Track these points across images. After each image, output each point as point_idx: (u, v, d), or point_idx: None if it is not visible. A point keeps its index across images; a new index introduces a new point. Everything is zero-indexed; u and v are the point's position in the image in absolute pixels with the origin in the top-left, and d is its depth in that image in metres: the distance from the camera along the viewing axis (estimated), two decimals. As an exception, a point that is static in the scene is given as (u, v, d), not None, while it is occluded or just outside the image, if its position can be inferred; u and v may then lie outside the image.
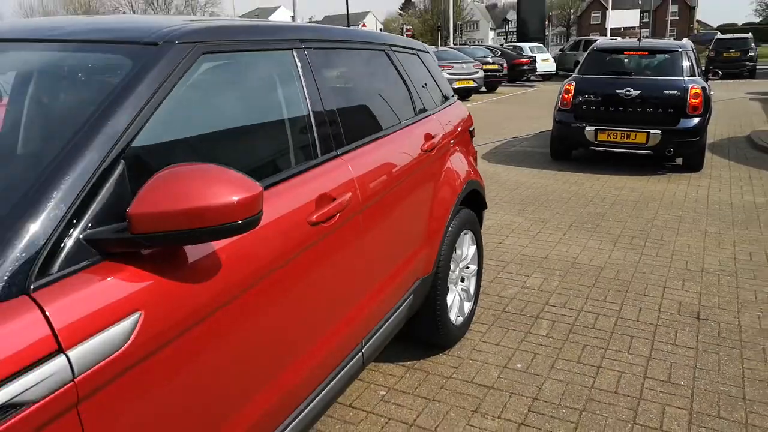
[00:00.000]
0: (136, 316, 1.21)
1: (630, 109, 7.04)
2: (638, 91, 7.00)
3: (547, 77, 25.34)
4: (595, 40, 25.00)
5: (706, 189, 6.38)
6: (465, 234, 3.09)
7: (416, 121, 2.69)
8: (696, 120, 6.87)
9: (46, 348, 1.05)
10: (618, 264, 4.24)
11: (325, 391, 1.90)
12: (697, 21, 76.84)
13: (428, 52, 3.19)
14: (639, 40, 8.34)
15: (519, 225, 5.19)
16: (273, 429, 1.65)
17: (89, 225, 1.21)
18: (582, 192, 6.34)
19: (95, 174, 1.24)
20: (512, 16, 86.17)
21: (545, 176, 7.13)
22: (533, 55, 24.36)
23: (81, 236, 1.19)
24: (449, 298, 2.96)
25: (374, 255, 2.17)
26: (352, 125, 2.15)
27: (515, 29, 72.22)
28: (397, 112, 2.58)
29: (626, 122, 7.07)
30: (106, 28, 1.68)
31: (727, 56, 23.13)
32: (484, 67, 17.88)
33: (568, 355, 3.02)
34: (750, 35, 24.02)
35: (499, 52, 22.43)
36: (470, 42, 61.28)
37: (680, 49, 7.46)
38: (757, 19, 60.36)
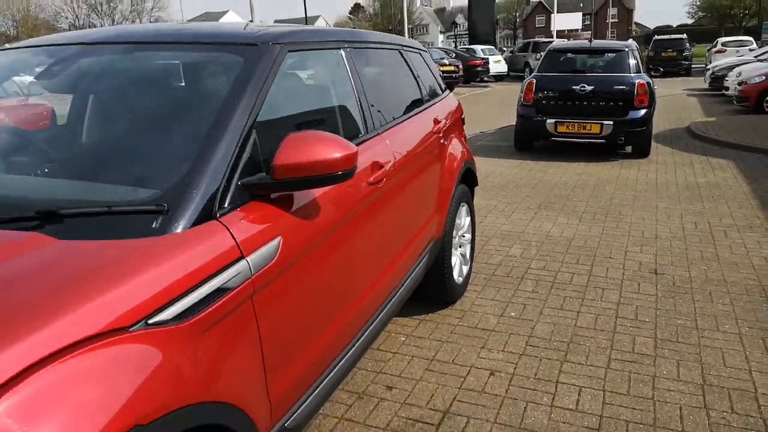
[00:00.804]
0: (278, 239, 1.67)
1: (585, 103, 7.85)
2: (592, 87, 7.81)
3: (499, 78, 26.35)
4: (543, 42, 26.18)
5: (654, 173, 7.14)
6: (462, 206, 3.62)
7: (425, 109, 3.20)
8: (643, 111, 7.72)
9: (235, 254, 1.51)
10: (585, 235, 4.86)
11: (381, 315, 2.40)
12: (635, 23, 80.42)
13: (427, 52, 3.71)
14: (590, 41, 9.23)
15: (495, 207, 5.76)
16: (353, 335, 2.15)
17: (241, 175, 1.66)
18: (546, 178, 6.99)
19: (240, 140, 1.68)
20: (461, 19, 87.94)
21: (512, 166, 7.77)
22: (486, 57, 25.30)
23: (239, 183, 1.64)
24: (453, 260, 3.47)
25: (405, 214, 2.66)
26: (383, 109, 2.64)
27: (464, 32, 73.57)
28: (411, 101, 3.09)
29: (582, 115, 7.87)
30: (215, 33, 2.12)
31: (666, 56, 24.64)
32: (441, 68, 18.60)
33: (553, 304, 3.58)
34: (685, 36, 25.62)
35: (454, 54, 23.24)
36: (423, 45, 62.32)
37: (626, 49, 8.37)
38: (689, 21, 63.72)
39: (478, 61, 23.71)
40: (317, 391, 1.93)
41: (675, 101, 15.08)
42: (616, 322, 3.34)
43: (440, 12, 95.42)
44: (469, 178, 3.73)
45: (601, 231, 4.95)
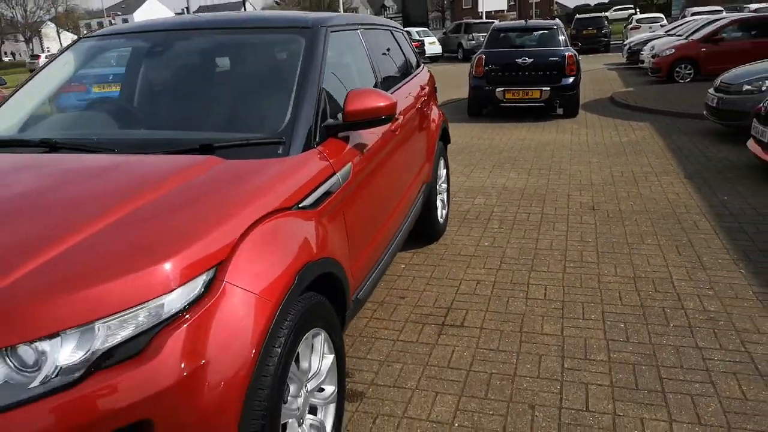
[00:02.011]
0: (349, 165, 2.39)
1: (526, 73, 9.29)
2: (531, 59, 9.27)
3: (434, 59, 27.31)
4: (475, 24, 27.25)
5: (585, 135, 8.19)
6: (441, 159, 4.41)
7: (413, 77, 3.95)
8: (572, 79, 9.29)
9: (330, 170, 2.22)
10: (534, 185, 5.77)
11: (403, 229, 3.18)
12: (556, 2, 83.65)
13: (406, 32, 4.45)
14: (526, 21, 10.44)
15: (455, 168, 6.60)
16: (390, 239, 2.92)
17: (321, 120, 2.35)
18: (494, 144, 7.91)
19: (317, 95, 2.38)
20: (390, 2, 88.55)
21: (463, 135, 8.63)
22: (421, 39, 26.17)
23: (322, 125, 2.34)
24: (437, 203, 4.27)
25: (410, 158, 3.42)
26: (387, 76, 3.38)
27: (394, 14, 73.63)
28: (402, 71, 3.83)
29: (524, 83, 9.31)
30: (276, 19, 2.79)
31: (587, 33, 26.29)
32: (381, 50, 19.26)
33: (516, 235, 4.44)
34: (604, 15, 27.37)
35: (391, 37, 23.93)
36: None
37: (556, 27, 9.92)
38: (605, 0, 66.99)
39: (414, 43, 24.50)
40: (373, 275, 2.68)
41: (598, 75, 16.46)
42: (567, 243, 4.23)
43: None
44: (444, 136, 4.52)
45: (546, 182, 5.88)
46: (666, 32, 18.61)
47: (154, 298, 1.42)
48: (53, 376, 1.31)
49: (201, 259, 1.54)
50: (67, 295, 1.35)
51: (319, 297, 1.97)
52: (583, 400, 2.48)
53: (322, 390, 2.09)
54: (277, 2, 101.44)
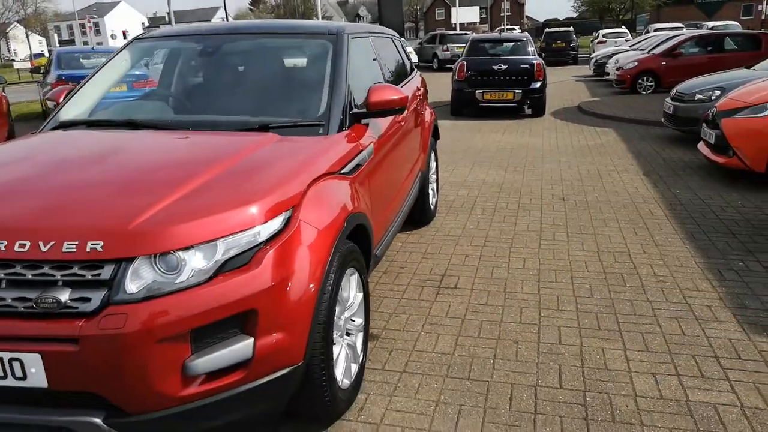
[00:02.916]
0: (371, 145, 2.97)
1: (502, 78, 11.03)
2: (506, 66, 11.06)
3: (410, 68, 28.05)
4: (449, 35, 28.07)
5: (555, 139, 8.91)
6: (432, 152, 5.01)
7: (410, 80, 4.55)
8: (539, 83, 11.07)
9: (360, 147, 2.80)
10: (511, 180, 6.42)
11: (406, 204, 3.76)
12: (527, 16, 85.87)
13: (403, 39, 5.06)
14: (500, 33, 11.68)
15: (438, 166, 7.21)
16: (398, 210, 3.50)
17: (350, 108, 2.92)
18: (473, 146, 8.57)
19: (346, 90, 2.95)
20: (364, 11, 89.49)
21: (445, 137, 9.22)
22: (397, 48, 26.86)
23: (350, 112, 2.91)
24: (428, 190, 4.87)
25: (411, 147, 4.02)
26: (391, 78, 3.97)
27: (368, 24, 73.72)
28: (402, 72, 4.43)
29: (500, 86, 11.05)
30: (306, 26, 3.36)
31: (556, 46, 27.41)
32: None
33: (497, 220, 5.07)
34: (572, 29, 28.56)
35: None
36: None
37: (525, 39, 11.66)
38: (574, 15, 69.09)
39: (390, 52, 25.21)
40: (386, 238, 3.25)
41: (566, 86, 17.37)
42: (541, 226, 4.87)
43: (343, 4, 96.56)
44: (435, 132, 5.13)
45: (522, 177, 6.54)
46: (630, 47, 19.67)
47: (254, 226, 1.97)
48: (190, 276, 1.84)
49: (282, 202, 2.09)
50: (198, 220, 1.89)
51: (354, 244, 2.53)
52: (557, 337, 3.09)
53: (353, 321, 2.65)
54: (250, 9, 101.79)
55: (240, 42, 3.29)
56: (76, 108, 3.11)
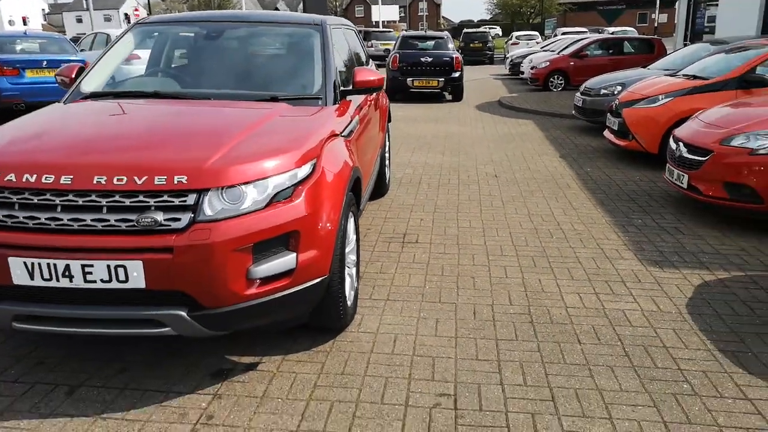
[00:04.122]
0: (357, 117, 3.61)
1: (428, 68, 13.38)
2: (431, 59, 13.41)
3: (335, 63, 28.60)
4: (373, 32, 28.78)
5: (482, 129, 9.87)
6: (387, 133, 5.70)
7: (371, 66, 5.21)
8: (458, 73, 13.58)
9: (352, 117, 3.44)
10: (449, 161, 7.24)
11: (375, 171, 4.42)
12: (443, 17, 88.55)
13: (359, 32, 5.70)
14: (425, 31, 13.51)
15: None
16: (369, 173, 4.15)
17: (340, 87, 3.55)
18: (411, 133, 9.35)
19: (336, 71, 3.57)
20: (282, 6, 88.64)
21: (380, 127, 10.01)
22: (322, 43, 27.33)
23: (341, 89, 3.54)
24: (386, 166, 5.55)
25: (375, 125, 4.68)
26: (358, 63, 4.61)
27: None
28: (364, 59, 5.08)
29: (427, 75, 13.41)
30: (294, 17, 3.93)
31: (474, 47, 28.89)
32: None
33: (442, 192, 5.84)
34: (488, 30, 30.17)
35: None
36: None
37: (446, 37, 14.01)
38: (488, 17, 72.19)
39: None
40: (365, 195, 3.90)
41: (486, 83, 18.63)
42: (480, 197, 5.69)
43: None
44: (389, 116, 5.82)
45: (458, 159, 7.37)
46: (541, 48, 21.27)
47: (292, 169, 2.57)
48: (251, 204, 2.42)
49: (309, 152, 2.70)
50: (253, 161, 2.46)
51: (352, 194, 3.17)
52: (503, 273, 3.87)
53: (350, 257, 3.28)
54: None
55: (239, 29, 3.82)
56: (93, 82, 3.54)
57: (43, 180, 2.32)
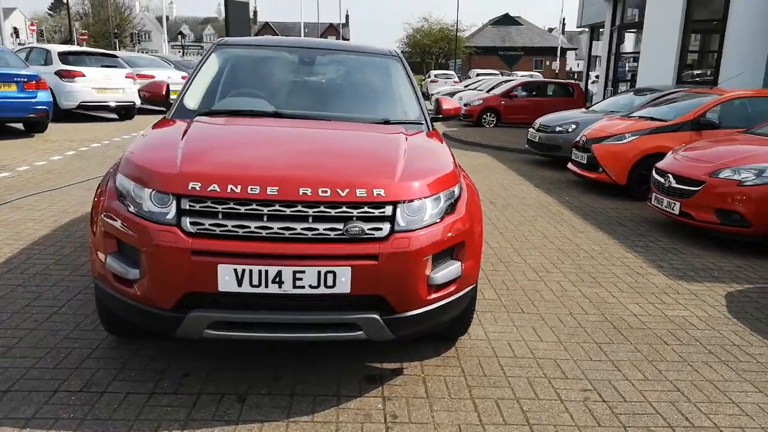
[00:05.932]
0: (445, 141, 3.89)
1: None
2: None
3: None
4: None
5: (445, 159, 10.41)
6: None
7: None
8: None
9: (442, 140, 3.71)
10: (438, 189, 7.64)
11: None
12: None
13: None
14: None
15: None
16: None
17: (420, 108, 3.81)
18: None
19: (416, 95, 3.84)
20: (186, 30, 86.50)
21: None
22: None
23: (429, 117, 3.80)
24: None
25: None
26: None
27: (191, 43, 72.03)
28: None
29: None
30: (370, 47, 4.15)
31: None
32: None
33: (453, 216, 6.20)
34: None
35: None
36: (146, 52, 60.40)
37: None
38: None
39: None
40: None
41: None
42: (491, 220, 6.11)
43: (162, 20, 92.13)
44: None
45: (444, 187, 7.80)
46: (465, 87, 22.61)
47: (454, 185, 2.81)
48: (428, 218, 2.62)
49: (458, 170, 2.97)
50: (427, 181, 2.67)
51: None
52: (560, 287, 4.26)
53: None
54: (50, 13, 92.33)
55: (327, 56, 4.01)
56: (193, 100, 3.55)
57: (249, 191, 2.40)
